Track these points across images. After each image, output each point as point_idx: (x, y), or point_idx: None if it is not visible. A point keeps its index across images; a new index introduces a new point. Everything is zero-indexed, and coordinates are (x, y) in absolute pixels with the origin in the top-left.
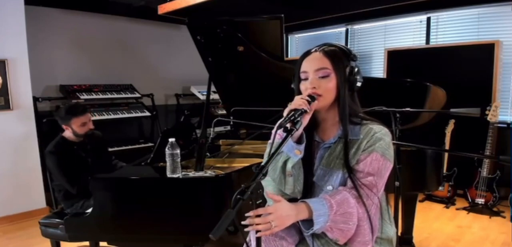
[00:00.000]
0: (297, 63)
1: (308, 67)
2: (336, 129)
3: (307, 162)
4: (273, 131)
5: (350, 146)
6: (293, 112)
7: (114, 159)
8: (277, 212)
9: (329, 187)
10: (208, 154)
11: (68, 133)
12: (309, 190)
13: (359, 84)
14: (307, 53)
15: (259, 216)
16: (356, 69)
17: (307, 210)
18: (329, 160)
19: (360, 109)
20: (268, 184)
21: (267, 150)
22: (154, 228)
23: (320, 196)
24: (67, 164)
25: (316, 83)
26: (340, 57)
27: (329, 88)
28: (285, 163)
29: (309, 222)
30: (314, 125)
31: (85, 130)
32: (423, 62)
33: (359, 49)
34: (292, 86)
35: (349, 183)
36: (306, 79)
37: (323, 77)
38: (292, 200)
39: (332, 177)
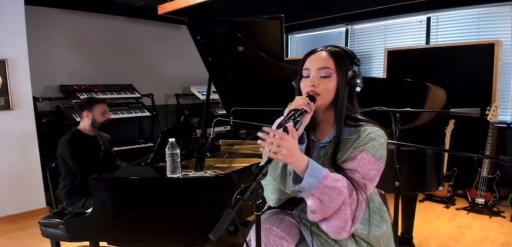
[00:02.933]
0: (301, 61)
1: (311, 65)
2: (332, 129)
3: (295, 177)
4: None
5: (343, 144)
6: (293, 112)
7: (118, 161)
8: (290, 143)
9: None
10: (208, 154)
11: (83, 125)
12: None
13: (358, 89)
14: (312, 52)
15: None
16: (357, 73)
17: (305, 164)
18: (324, 160)
19: (357, 111)
20: (269, 183)
21: None
22: (154, 228)
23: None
24: (80, 153)
25: (316, 81)
26: (344, 60)
27: (328, 88)
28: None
29: (299, 178)
30: (311, 124)
31: (104, 119)
32: (423, 62)
33: (359, 49)
34: (293, 83)
35: None
36: (307, 76)
37: (324, 76)
38: (293, 199)
39: None
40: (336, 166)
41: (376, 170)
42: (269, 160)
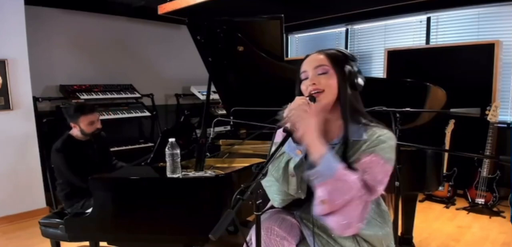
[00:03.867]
0: (297, 67)
1: (307, 66)
2: (339, 130)
3: (310, 163)
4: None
5: (352, 146)
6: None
7: (114, 160)
8: (310, 115)
9: None
10: (208, 154)
11: (75, 132)
12: (313, 191)
13: (361, 82)
14: (306, 56)
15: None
16: (356, 69)
17: (324, 151)
18: None
19: (364, 111)
20: (272, 184)
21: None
22: (154, 228)
23: None
24: (74, 161)
25: (316, 79)
26: (339, 58)
27: (330, 84)
28: (287, 163)
29: (314, 165)
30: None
31: (92, 130)
32: (423, 62)
33: (359, 49)
34: (296, 93)
35: None
36: (306, 78)
37: (322, 73)
38: (297, 200)
39: None
40: (346, 165)
41: (385, 173)
42: (268, 159)
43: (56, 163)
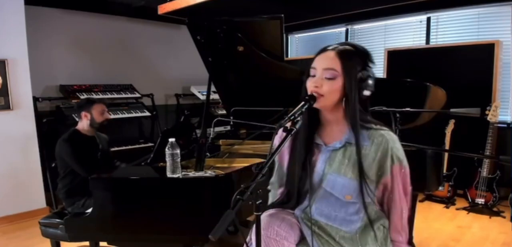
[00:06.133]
0: (310, 61)
1: (318, 64)
2: (341, 132)
3: (307, 164)
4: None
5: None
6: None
7: (116, 162)
8: None
9: (348, 198)
10: (208, 154)
11: (82, 125)
12: (313, 192)
13: (367, 93)
14: (322, 50)
15: None
16: (366, 73)
17: None
18: (340, 167)
19: (368, 116)
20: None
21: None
22: (154, 228)
23: None
24: (80, 151)
25: (320, 82)
26: (354, 61)
27: (333, 90)
28: None
29: None
30: (316, 126)
31: (103, 119)
32: (423, 62)
33: None
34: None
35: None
36: (313, 76)
37: (329, 78)
38: (297, 200)
39: (348, 186)
40: (362, 176)
41: (407, 175)
42: (269, 159)
43: (61, 154)
